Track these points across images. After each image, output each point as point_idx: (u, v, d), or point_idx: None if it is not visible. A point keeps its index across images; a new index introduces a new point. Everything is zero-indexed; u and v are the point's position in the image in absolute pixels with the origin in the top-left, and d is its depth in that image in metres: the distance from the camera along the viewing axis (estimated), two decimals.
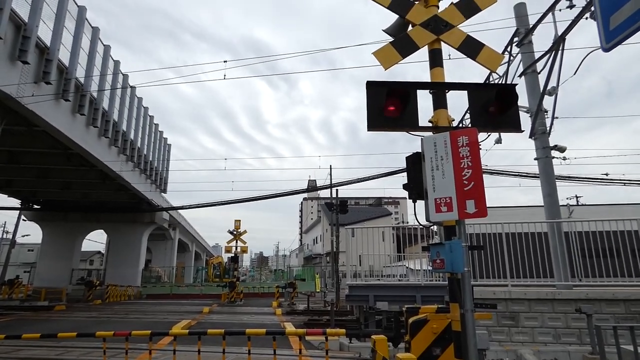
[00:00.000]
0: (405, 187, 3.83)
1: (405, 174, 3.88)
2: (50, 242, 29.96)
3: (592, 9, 6.35)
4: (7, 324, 13.54)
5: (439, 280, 9.53)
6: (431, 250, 3.32)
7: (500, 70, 10.54)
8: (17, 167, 21.94)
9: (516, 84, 4.11)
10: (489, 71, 9.69)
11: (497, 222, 8.65)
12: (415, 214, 3.67)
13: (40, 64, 14.71)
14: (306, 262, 64.39)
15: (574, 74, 7.75)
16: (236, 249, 24.30)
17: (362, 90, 3.91)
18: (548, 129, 9.32)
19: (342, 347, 8.32)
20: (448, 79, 4.00)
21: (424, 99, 4.04)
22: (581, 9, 6.96)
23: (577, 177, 18.77)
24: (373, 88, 3.88)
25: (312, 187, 36.23)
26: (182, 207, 32.49)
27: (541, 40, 10.01)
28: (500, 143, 11.65)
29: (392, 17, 4.47)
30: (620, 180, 19.08)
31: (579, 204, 31.59)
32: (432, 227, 12.21)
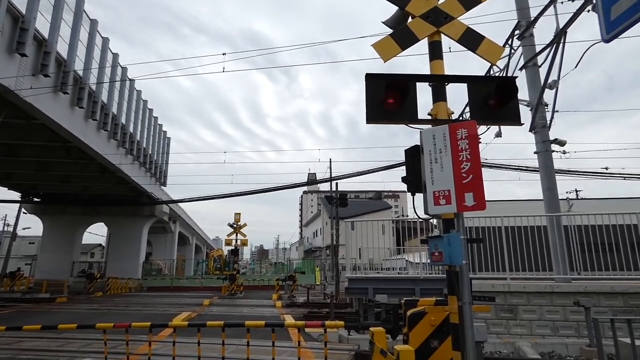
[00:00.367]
0: (404, 180, 3.83)
1: (405, 167, 3.88)
2: (50, 235, 30.05)
3: (594, 0, 6.29)
4: (9, 315, 13.62)
5: (439, 273, 9.56)
6: (430, 243, 3.33)
7: (501, 63, 10.49)
8: (17, 160, 21.92)
9: (516, 77, 4.10)
10: (489, 65, 9.67)
11: (497, 215, 8.66)
12: (414, 207, 3.66)
13: (39, 57, 14.63)
14: (306, 255, 64.64)
15: (575, 67, 7.71)
16: (236, 242, 24.37)
17: (362, 83, 3.89)
18: (548, 122, 9.30)
19: (341, 339, 8.38)
20: (448, 72, 3.98)
21: (424, 93, 4.03)
22: (583, 1, 6.90)
23: (576, 171, 18.75)
24: (372, 80, 3.86)
25: (312, 180, 36.27)
26: (182, 200, 32.53)
27: (542, 34, 9.93)
28: (500, 136, 11.64)
29: (392, 9, 4.43)
30: (620, 174, 19.06)
31: (579, 197, 31.62)
32: (431, 221, 12.24)
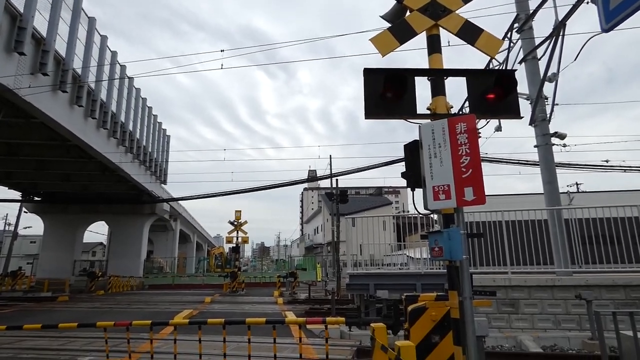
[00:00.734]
0: (403, 175, 3.81)
1: (404, 162, 3.85)
2: (51, 234, 30.08)
3: None
4: (11, 314, 13.66)
5: (440, 269, 9.56)
6: (430, 238, 3.30)
7: (500, 57, 10.43)
8: (16, 159, 21.91)
9: (515, 70, 4.06)
10: (488, 59, 9.62)
11: (498, 209, 8.65)
12: (414, 202, 3.64)
13: (37, 55, 14.59)
14: (307, 251, 64.69)
15: (575, 59, 7.65)
16: (237, 239, 24.39)
17: (362, 79, 3.86)
18: (548, 116, 9.25)
19: (342, 335, 8.38)
20: (447, 67, 3.94)
21: (423, 88, 3.99)
22: None
23: (577, 164, 18.71)
24: (371, 75, 3.83)
25: (312, 177, 36.24)
26: (182, 198, 32.54)
27: (542, 26, 9.88)
28: (500, 131, 11.57)
29: (391, 3, 4.40)
30: (620, 167, 19.03)
31: (580, 191, 31.57)
32: (432, 216, 12.23)
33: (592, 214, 9.18)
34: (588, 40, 6.80)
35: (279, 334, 5.19)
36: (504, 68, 10.39)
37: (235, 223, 24.31)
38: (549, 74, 8.46)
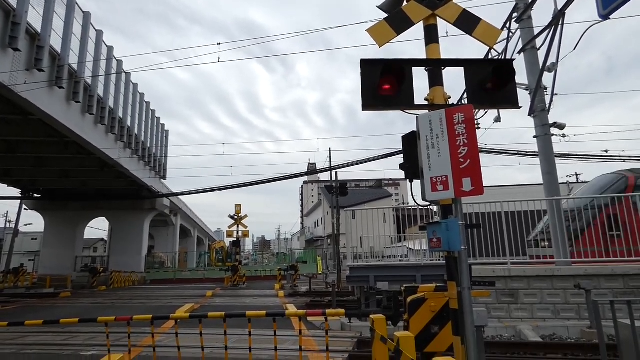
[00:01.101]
0: (402, 166, 3.79)
1: (402, 154, 3.84)
2: (52, 231, 30.12)
3: None
4: (14, 311, 13.73)
5: (440, 260, 9.59)
6: (428, 230, 3.30)
7: (499, 47, 10.37)
8: (15, 156, 21.87)
9: (514, 59, 4.03)
10: (487, 49, 9.55)
11: (497, 200, 8.65)
12: (412, 194, 3.63)
13: (32, 51, 14.48)
14: (308, 244, 64.90)
15: (574, 49, 7.61)
16: (238, 233, 24.42)
17: (359, 71, 3.82)
18: (547, 106, 9.22)
19: (343, 327, 8.43)
20: (446, 57, 3.91)
21: (421, 79, 3.97)
22: None
23: (576, 155, 18.70)
24: (367, 66, 3.80)
25: (312, 170, 36.21)
26: (182, 193, 32.50)
27: (540, 16, 9.80)
28: (499, 122, 11.56)
29: None
30: (620, 156, 19.01)
31: (579, 181, 31.60)
32: (431, 207, 12.23)
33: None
34: (587, 29, 6.76)
35: (279, 327, 5.21)
36: (503, 58, 10.33)
37: (236, 217, 24.32)
38: (548, 63, 8.42)
